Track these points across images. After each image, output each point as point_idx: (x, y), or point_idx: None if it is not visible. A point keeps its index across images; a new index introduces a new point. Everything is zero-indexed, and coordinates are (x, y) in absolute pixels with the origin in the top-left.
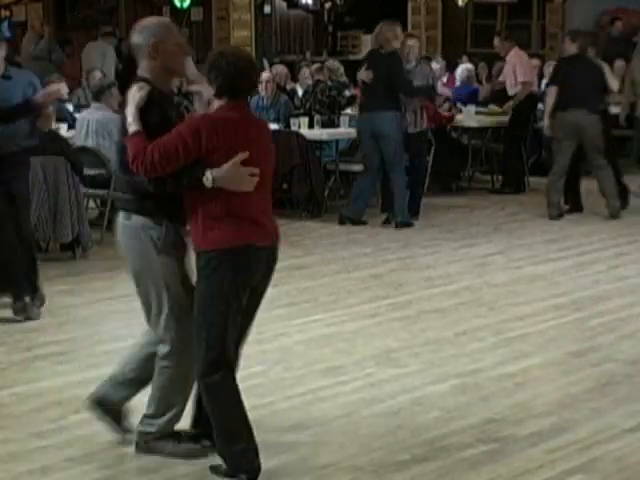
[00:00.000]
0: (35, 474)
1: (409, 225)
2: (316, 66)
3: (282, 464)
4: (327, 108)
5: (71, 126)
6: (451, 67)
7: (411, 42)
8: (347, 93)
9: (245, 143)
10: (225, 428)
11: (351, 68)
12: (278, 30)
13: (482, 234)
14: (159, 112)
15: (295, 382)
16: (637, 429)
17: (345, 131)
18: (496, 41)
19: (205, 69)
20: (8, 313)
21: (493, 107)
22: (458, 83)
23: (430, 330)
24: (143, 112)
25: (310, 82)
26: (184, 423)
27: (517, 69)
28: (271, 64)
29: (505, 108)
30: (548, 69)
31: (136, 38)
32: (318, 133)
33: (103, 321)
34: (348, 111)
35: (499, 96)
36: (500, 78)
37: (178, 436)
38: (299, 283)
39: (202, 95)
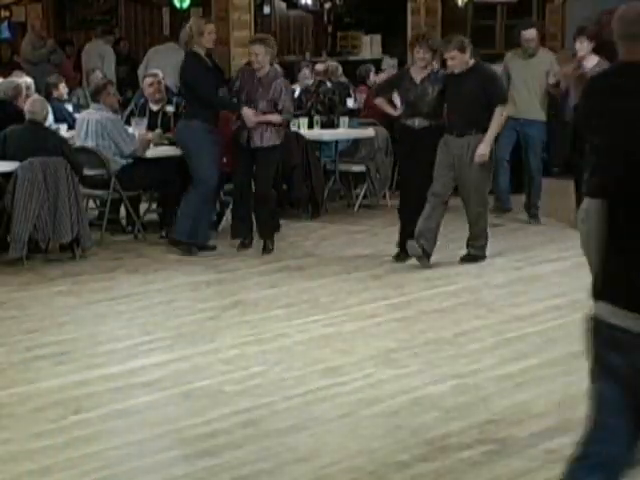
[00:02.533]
0: (35, 474)
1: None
2: (321, 66)
3: (282, 464)
4: (328, 110)
5: (71, 126)
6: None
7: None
8: (349, 103)
9: None
10: None
11: (351, 68)
12: (277, 30)
13: None
14: None
15: (295, 382)
16: None
17: (345, 132)
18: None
19: None
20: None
21: None
22: None
23: (429, 331)
24: None
25: (309, 82)
26: None
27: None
28: None
29: None
30: None
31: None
32: (318, 134)
33: (103, 321)
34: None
35: None
36: None
37: None
38: (299, 284)
39: None
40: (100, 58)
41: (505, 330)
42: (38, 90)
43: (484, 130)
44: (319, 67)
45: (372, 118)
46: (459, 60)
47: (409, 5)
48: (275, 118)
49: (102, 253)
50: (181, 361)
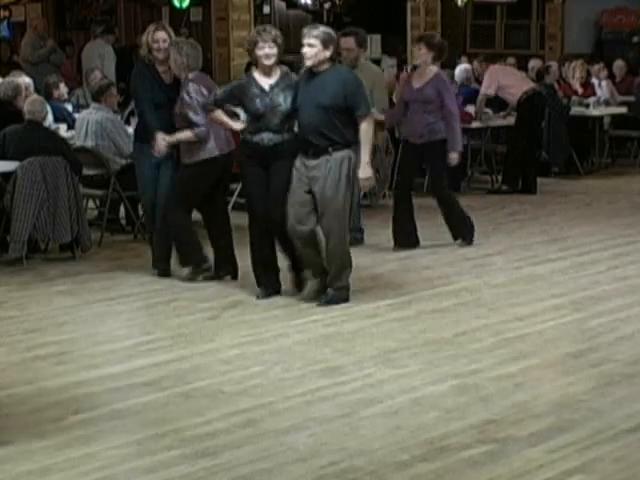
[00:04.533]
0: (35, 474)
1: None
2: None
3: (281, 464)
4: None
5: (70, 126)
6: (450, 67)
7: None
8: None
9: None
10: None
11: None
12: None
13: (481, 234)
14: None
15: (294, 382)
16: (636, 429)
17: None
18: (475, 64)
19: None
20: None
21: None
22: (458, 83)
23: (429, 330)
24: None
25: None
26: None
27: (485, 82)
28: None
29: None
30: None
31: None
32: None
33: (102, 322)
34: None
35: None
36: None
37: None
38: None
39: None
40: (100, 58)
41: (505, 330)
42: (37, 90)
43: (344, 147)
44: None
45: None
46: (317, 52)
47: (409, 5)
48: (185, 135)
49: (102, 253)
50: (181, 361)
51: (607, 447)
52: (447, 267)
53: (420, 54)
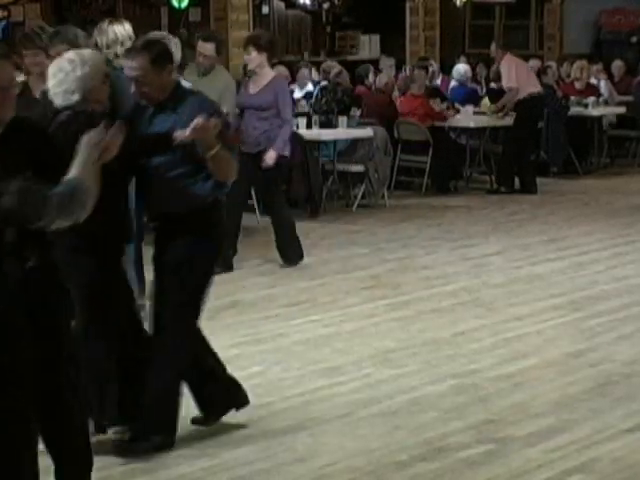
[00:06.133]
0: None
1: None
2: (336, 70)
3: (280, 464)
4: (342, 110)
5: None
6: (448, 67)
7: None
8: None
9: None
10: None
11: (349, 69)
12: (276, 30)
13: (480, 234)
14: None
15: (293, 382)
16: (636, 429)
17: (344, 132)
18: (493, 47)
19: None
20: None
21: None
22: (455, 83)
23: (428, 330)
24: None
25: (310, 84)
26: None
27: (506, 74)
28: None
29: (492, 109)
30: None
31: None
32: (316, 133)
33: None
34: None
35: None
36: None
37: None
38: (297, 283)
39: None
40: None
41: (504, 330)
42: None
43: None
44: (336, 69)
45: (371, 118)
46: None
47: (407, 5)
48: None
49: None
50: None
51: (606, 447)
52: (446, 267)
53: (251, 59)
